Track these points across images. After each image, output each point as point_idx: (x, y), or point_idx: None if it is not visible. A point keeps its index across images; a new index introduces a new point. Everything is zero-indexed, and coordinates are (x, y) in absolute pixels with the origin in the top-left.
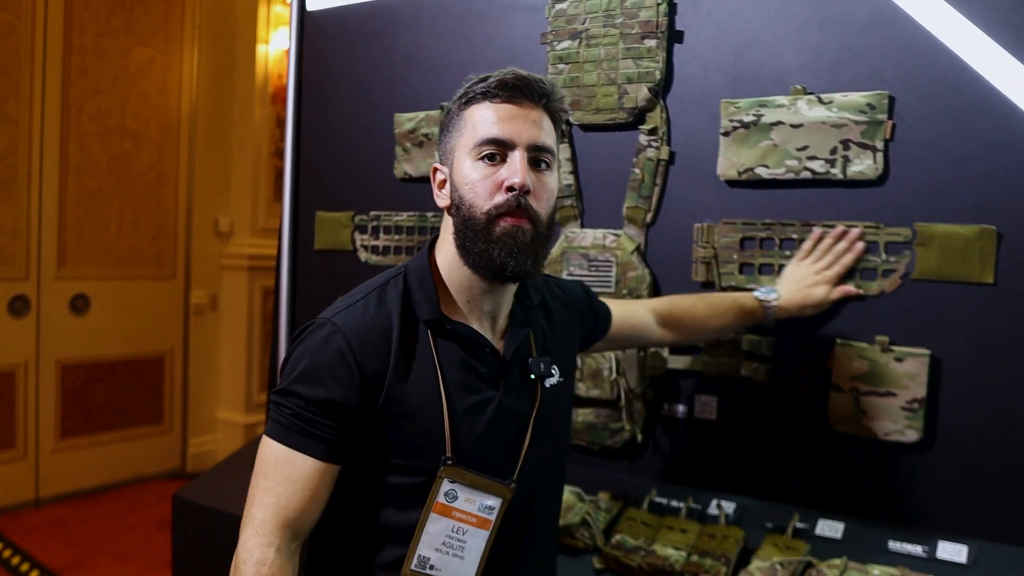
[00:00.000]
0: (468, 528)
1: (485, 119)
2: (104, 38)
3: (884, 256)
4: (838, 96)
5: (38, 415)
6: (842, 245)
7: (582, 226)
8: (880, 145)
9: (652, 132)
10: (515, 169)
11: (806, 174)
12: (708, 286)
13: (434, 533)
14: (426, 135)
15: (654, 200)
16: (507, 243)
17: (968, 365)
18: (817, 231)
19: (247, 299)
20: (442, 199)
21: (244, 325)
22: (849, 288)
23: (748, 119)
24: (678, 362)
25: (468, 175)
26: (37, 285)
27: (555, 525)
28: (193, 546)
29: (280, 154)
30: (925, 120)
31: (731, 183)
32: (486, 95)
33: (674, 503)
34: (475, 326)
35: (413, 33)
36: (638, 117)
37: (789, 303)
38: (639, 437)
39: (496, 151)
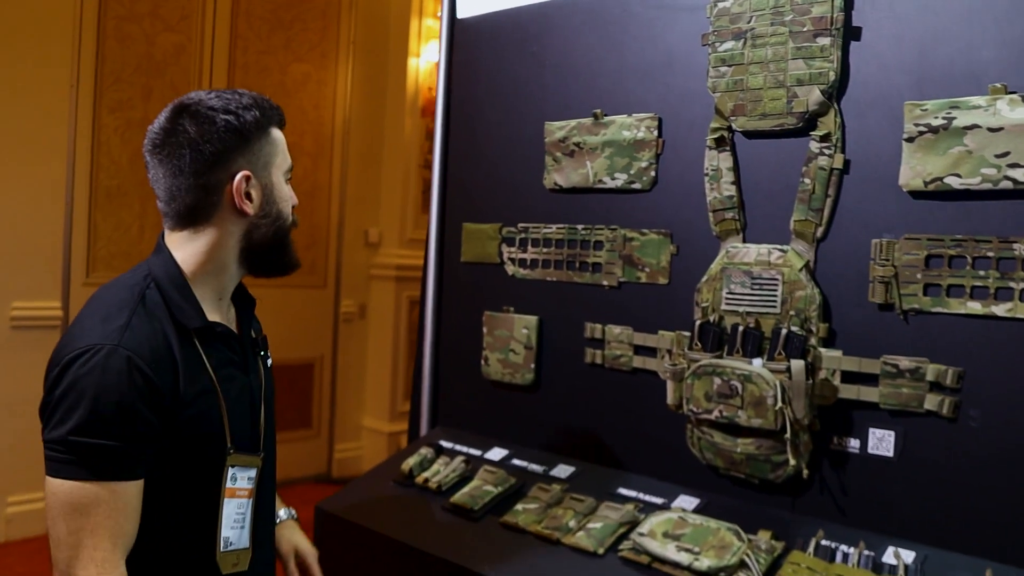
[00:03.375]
0: (244, 501)
1: (285, 146)
2: (265, 55)
3: None
4: None
5: None
6: None
7: (744, 241)
8: None
9: (825, 138)
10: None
11: (1006, 184)
12: (887, 308)
13: (228, 514)
14: (577, 144)
15: (826, 213)
16: (293, 247)
17: None
18: None
19: (394, 309)
20: (250, 206)
21: (390, 334)
22: None
23: (937, 123)
24: (851, 391)
25: (285, 192)
26: None
27: (275, 482)
28: (331, 556)
29: (428, 166)
30: None
31: (915, 194)
32: (281, 124)
33: (842, 547)
34: (220, 318)
35: (565, 38)
36: (809, 122)
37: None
38: (805, 472)
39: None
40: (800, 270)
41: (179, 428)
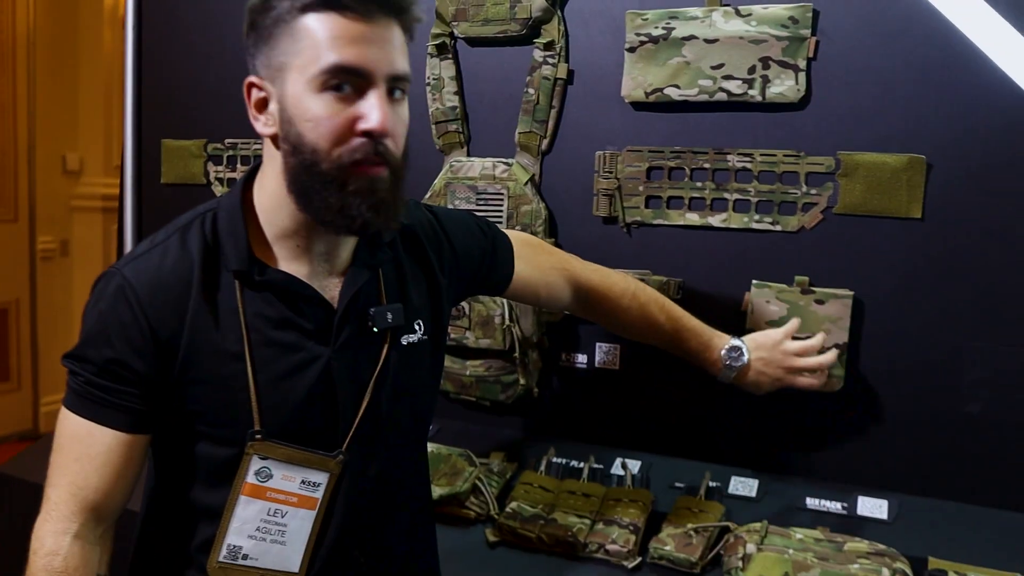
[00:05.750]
0: (288, 509)
1: (334, 38)
2: None
3: (804, 188)
4: (758, 8)
5: None
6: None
7: (468, 154)
8: (802, 64)
9: (548, 47)
10: (375, 110)
11: (721, 96)
12: (611, 221)
13: (245, 518)
14: None
15: (550, 125)
16: (368, 198)
17: (891, 307)
18: None
19: (102, 243)
20: (265, 126)
21: (99, 272)
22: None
23: (657, 33)
24: None
25: (309, 109)
26: None
27: (419, 501)
28: (16, 527)
29: None
30: (851, 36)
31: (637, 105)
32: (332, 4)
33: (573, 463)
34: (302, 271)
35: None
36: (532, 30)
37: (755, 377)
38: (535, 391)
39: (347, 81)
40: (525, 184)
41: (184, 388)
